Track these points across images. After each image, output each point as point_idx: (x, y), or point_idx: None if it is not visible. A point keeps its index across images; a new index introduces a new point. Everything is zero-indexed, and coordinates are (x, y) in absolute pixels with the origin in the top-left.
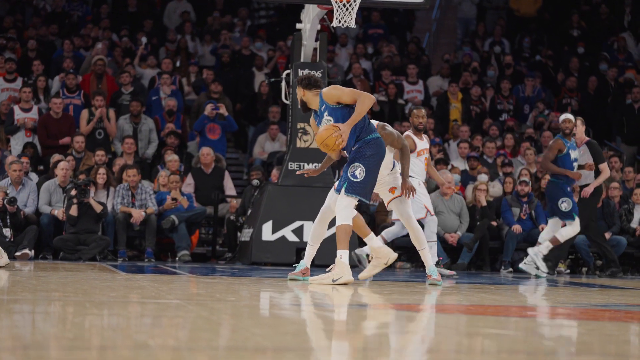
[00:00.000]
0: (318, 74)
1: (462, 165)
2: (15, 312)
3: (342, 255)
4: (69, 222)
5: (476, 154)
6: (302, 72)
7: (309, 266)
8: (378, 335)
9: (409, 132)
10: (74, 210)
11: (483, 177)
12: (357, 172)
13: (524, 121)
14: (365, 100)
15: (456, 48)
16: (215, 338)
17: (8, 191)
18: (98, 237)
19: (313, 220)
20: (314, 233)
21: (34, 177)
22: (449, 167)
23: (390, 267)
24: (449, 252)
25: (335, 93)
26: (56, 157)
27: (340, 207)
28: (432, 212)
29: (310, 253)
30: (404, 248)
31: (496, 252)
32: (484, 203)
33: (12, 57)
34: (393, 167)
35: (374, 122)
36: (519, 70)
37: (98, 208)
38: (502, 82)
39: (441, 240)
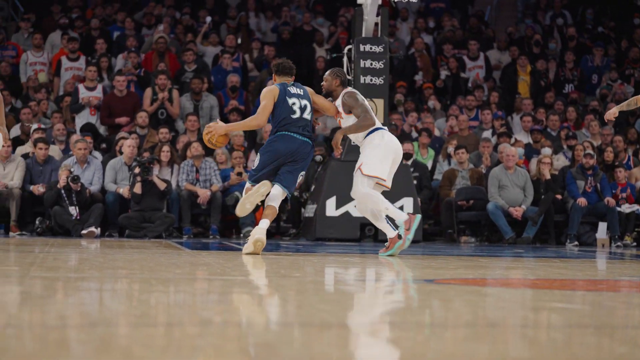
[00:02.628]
0: (379, 49)
1: (525, 138)
2: (82, 289)
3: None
4: (134, 200)
5: (540, 127)
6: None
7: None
8: (444, 310)
9: None
10: (137, 188)
11: (547, 151)
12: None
13: (591, 92)
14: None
15: (517, 21)
16: (280, 314)
17: (73, 169)
18: (163, 214)
19: None
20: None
21: (98, 155)
22: (512, 140)
23: (455, 242)
24: (514, 226)
25: None
26: (121, 134)
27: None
28: None
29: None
30: (468, 222)
31: (561, 226)
32: (548, 176)
33: (75, 36)
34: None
35: (348, 89)
36: (582, 42)
37: (162, 185)
38: (565, 54)
39: (505, 214)
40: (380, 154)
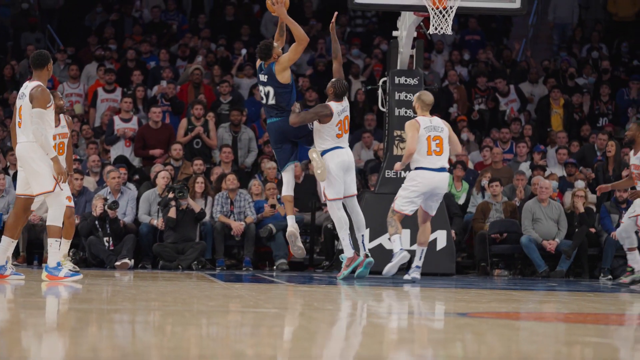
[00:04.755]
0: (414, 82)
1: (559, 171)
2: (115, 321)
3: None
4: (169, 225)
5: (574, 160)
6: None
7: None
8: (476, 343)
9: None
10: (172, 213)
11: (580, 184)
12: None
13: (625, 126)
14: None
15: (553, 54)
16: (313, 347)
17: (107, 199)
18: (194, 242)
19: (411, 228)
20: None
21: (132, 187)
22: (547, 173)
23: (488, 275)
24: (548, 260)
25: None
26: (158, 167)
27: None
28: None
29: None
30: (501, 255)
31: (595, 260)
32: (582, 210)
33: (112, 68)
34: None
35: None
36: (617, 76)
37: (197, 208)
38: (600, 88)
39: (539, 247)
40: (330, 177)
